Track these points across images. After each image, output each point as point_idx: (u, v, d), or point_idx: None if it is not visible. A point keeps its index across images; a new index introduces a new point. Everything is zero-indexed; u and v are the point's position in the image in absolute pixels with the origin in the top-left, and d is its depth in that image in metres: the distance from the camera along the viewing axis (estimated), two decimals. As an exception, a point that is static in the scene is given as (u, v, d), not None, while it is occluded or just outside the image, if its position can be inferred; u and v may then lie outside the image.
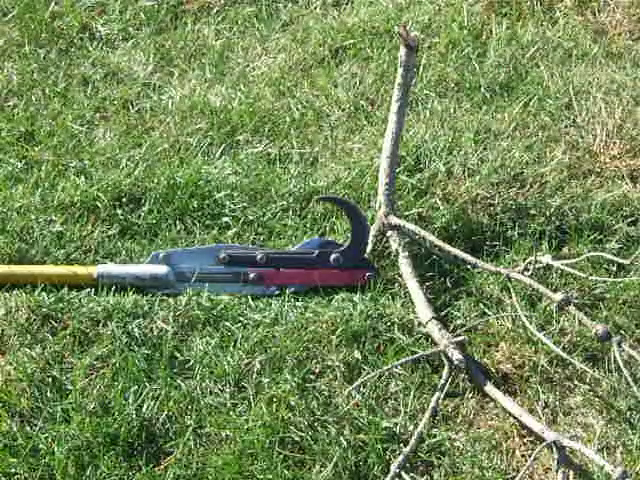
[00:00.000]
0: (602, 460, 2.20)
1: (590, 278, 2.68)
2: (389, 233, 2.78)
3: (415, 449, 2.35)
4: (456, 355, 2.43)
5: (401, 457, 2.31)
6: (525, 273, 2.61)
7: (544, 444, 2.26)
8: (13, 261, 2.76)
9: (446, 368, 2.46)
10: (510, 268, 2.67)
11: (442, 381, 2.44)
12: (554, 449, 2.25)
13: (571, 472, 2.27)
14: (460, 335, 2.52)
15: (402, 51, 2.88)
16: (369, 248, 2.77)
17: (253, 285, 2.72)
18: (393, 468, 2.29)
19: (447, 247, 2.73)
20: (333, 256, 2.73)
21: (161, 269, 2.72)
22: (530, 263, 2.61)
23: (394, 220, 2.77)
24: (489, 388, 2.45)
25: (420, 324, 2.60)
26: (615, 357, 2.42)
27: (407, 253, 2.72)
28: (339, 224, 2.87)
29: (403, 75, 2.89)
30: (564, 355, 2.47)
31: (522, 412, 2.38)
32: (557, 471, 2.24)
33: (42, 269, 2.73)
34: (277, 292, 2.71)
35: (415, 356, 2.49)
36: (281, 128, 3.24)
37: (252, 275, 2.72)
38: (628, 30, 3.67)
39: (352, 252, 2.74)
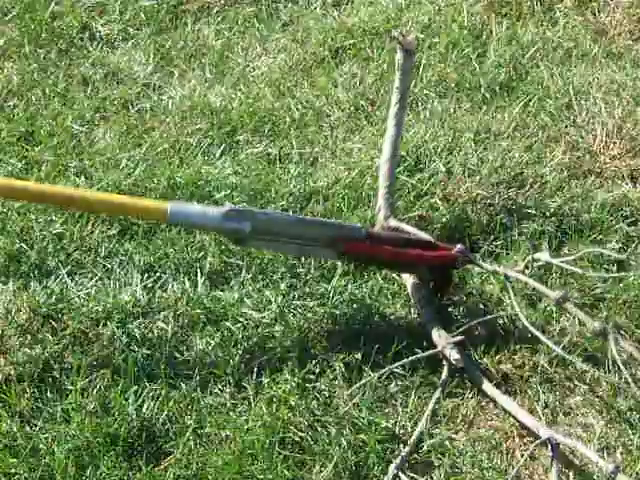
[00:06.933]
0: (595, 455, 2.21)
1: (588, 274, 2.68)
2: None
3: (415, 449, 2.35)
4: (454, 355, 2.44)
5: (401, 457, 2.31)
6: (525, 272, 2.61)
7: (538, 441, 2.27)
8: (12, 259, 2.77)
9: (445, 368, 2.46)
10: (509, 267, 2.67)
11: (441, 381, 2.44)
12: (549, 446, 2.26)
13: (567, 469, 2.27)
14: (459, 335, 2.52)
15: (399, 55, 2.88)
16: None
17: None
18: (393, 468, 2.29)
19: (447, 247, 2.74)
20: None
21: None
22: (529, 262, 2.61)
23: (393, 223, 2.76)
24: (486, 386, 2.45)
25: (420, 324, 2.60)
26: (613, 354, 2.42)
27: (407, 253, 2.72)
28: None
29: (401, 79, 2.89)
30: (564, 355, 2.47)
31: (518, 409, 2.39)
32: (551, 467, 2.25)
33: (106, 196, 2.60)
34: None
35: (415, 357, 2.49)
36: (281, 128, 3.24)
37: None
38: (628, 30, 3.66)
39: None
